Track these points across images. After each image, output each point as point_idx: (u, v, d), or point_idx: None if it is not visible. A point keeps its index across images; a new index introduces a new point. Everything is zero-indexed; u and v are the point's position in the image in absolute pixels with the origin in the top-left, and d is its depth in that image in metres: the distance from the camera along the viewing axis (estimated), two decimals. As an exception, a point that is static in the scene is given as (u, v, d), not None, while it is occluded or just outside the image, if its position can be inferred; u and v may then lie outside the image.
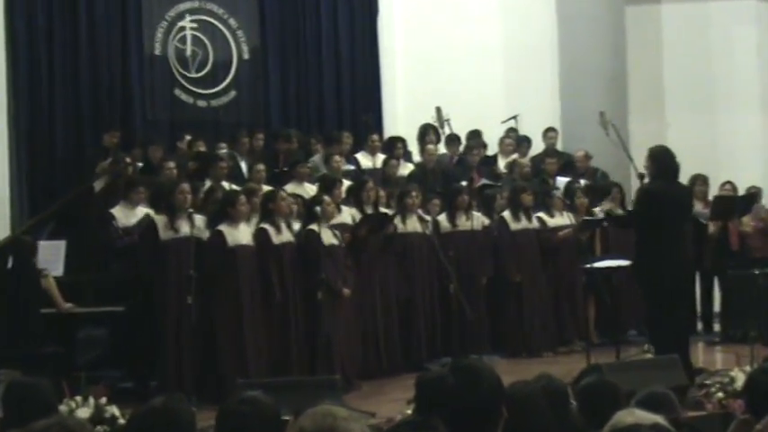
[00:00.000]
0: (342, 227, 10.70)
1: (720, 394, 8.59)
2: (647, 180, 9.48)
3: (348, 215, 11.05)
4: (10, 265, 9.72)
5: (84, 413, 7.83)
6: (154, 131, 13.17)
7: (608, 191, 12.70)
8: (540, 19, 15.33)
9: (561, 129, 14.64)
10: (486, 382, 4.21)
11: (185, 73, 13.77)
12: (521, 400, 4.43)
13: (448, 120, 14.02)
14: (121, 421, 7.77)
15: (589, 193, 12.74)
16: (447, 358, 10.68)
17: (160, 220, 9.94)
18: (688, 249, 9.83)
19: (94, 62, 12.93)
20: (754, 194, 13.05)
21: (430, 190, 12.34)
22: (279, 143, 12.94)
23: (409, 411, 6.31)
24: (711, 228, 12.62)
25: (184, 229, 9.76)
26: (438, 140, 13.70)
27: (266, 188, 10.89)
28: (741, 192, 13.09)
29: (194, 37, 13.90)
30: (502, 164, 13.76)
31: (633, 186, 11.43)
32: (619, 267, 10.85)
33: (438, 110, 14.03)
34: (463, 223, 11.77)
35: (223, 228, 9.84)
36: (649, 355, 9.61)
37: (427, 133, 13.56)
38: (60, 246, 10.23)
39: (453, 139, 13.87)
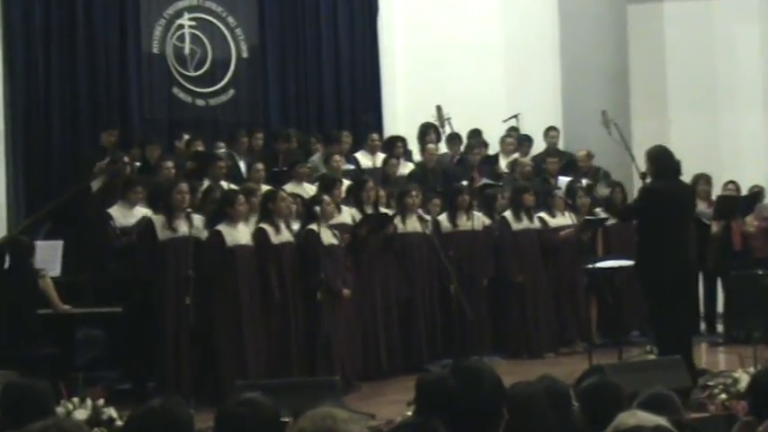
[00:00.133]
0: (341, 227, 10.67)
1: (723, 396, 8.56)
2: (649, 180, 9.46)
3: (348, 215, 11.01)
4: (7, 265, 9.67)
5: (81, 415, 7.79)
6: (152, 130, 13.15)
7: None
8: (542, 17, 15.32)
9: (563, 128, 14.62)
10: (486, 384, 4.19)
11: (184, 72, 13.75)
12: (522, 401, 4.42)
13: (448, 119, 13.97)
14: (119, 423, 7.74)
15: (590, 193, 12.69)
16: (447, 359, 10.64)
17: (158, 219, 9.91)
18: (690, 249, 9.78)
19: (92, 60, 12.91)
20: (757, 194, 13.02)
21: (430, 189, 12.32)
22: (278, 142, 12.93)
23: (409, 413, 6.21)
24: (714, 227, 12.58)
25: (183, 228, 9.74)
26: (438, 140, 13.66)
27: (265, 188, 10.84)
28: (744, 191, 13.03)
29: (193, 35, 13.88)
30: (503, 163, 13.73)
31: (635, 186, 11.40)
32: (621, 267, 10.90)
33: (438, 109, 13.98)
34: (464, 223, 11.74)
35: (222, 228, 9.81)
36: (652, 356, 9.68)
37: (427, 132, 13.53)
38: (57, 246, 10.20)
39: (454, 139, 13.84)
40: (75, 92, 12.75)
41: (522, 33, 15.30)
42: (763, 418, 4.63)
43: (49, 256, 10.00)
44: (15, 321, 9.37)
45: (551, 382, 4.81)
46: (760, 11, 14.94)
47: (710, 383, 8.83)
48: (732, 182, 13.13)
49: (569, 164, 13.73)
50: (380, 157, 12.92)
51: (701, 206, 12.44)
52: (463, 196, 11.84)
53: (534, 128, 14.34)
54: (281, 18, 14.64)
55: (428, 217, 11.63)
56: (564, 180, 13.10)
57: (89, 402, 7.97)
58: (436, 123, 13.84)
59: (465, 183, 12.42)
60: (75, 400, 7.98)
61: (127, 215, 10.66)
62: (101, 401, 8.01)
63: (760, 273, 11.69)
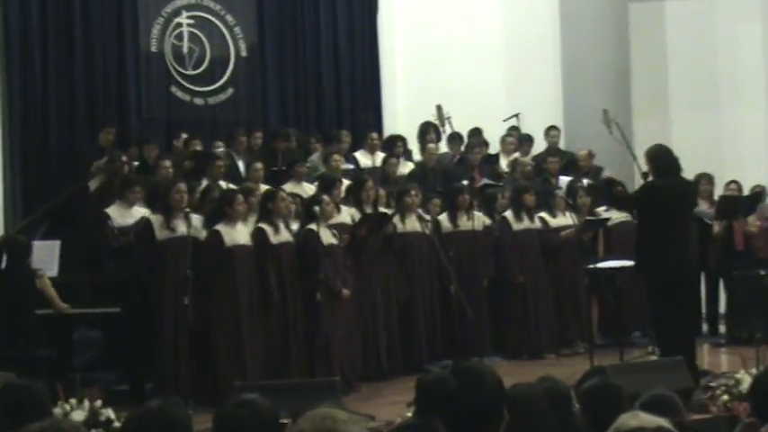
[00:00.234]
0: (341, 226, 10.64)
1: (726, 397, 8.55)
2: (650, 179, 9.45)
3: (347, 215, 10.99)
4: (4, 265, 9.66)
5: (78, 416, 7.77)
6: (150, 129, 13.11)
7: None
8: (542, 16, 15.27)
9: (564, 127, 14.57)
10: (487, 385, 4.17)
11: (182, 70, 13.70)
12: (523, 402, 4.43)
13: (449, 118, 13.91)
14: (117, 424, 7.73)
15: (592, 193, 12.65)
16: (448, 360, 10.64)
17: (156, 219, 9.88)
18: (691, 249, 9.75)
19: (89, 59, 12.85)
20: (759, 194, 12.98)
21: (430, 189, 12.30)
22: (277, 142, 12.90)
23: (409, 414, 6.25)
24: (716, 228, 12.54)
25: (181, 228, 9.72)
26: (438, 139, 13.61)
27: (264, 187, 10.81)
28: (746, 191, 12.99)
29: (191, 34, 13.84)
30: (504, 163, 13.69)
31: (637, 185, 11.34)
32: (622, 268, 10.85)
33: (438, 108, 13.92)
34: (464, 223, 11.70)
35: (220, 227, 9.79)
36: (654, 357, 9.64)
37: (428, 132, 13.49)
38: (55, 246, 10.17)
39: (455, 138, 13.79)
40: (72, 91, 12.70)
41: (522, 32, 15.27)
42: (765, 419, 4.61)
43: (46, 256, 9.97)
44: (12, 322, 9.34)
45: (552, 383, 4.82)
46: (762, 9, 14.94)
47: (712, 384, 8.83)
48: (734, 181, 13.09)
49: (570, 163, 13.70)
50: (380, 156, 12.89)
51: (703, 206, 12.44)
52: (463, 196, 11.80)
53: (535, 127, 14.30)
54: (281, 16, 14.60)
55: (428, 216, 11.59)
56: (565, 180, 13.07)
57: (86, 403, 7.95)
58: (436, 123, 13.79)
59: (465, 182, 12.36)
60: (73, 401, 7.95)
61: (125, 215, 10.61)
62: (98, 402, 7.99)
63: (762, 273, 11.66)
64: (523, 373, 9.08)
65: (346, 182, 11.50)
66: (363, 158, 13.01)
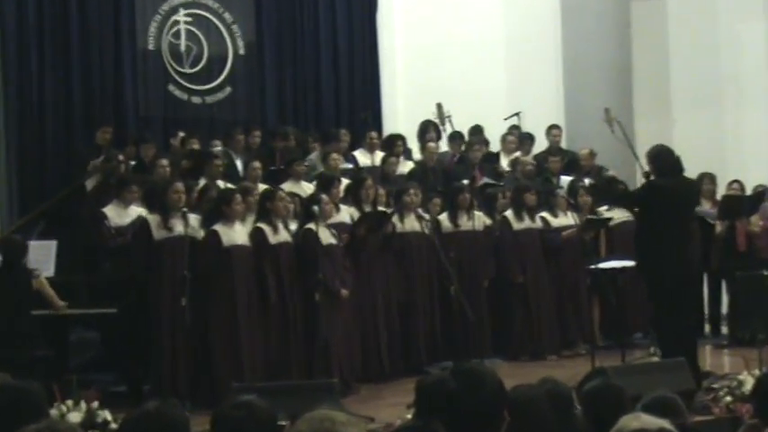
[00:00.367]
0: (340, 226, 10.61)
1: (728, 398, 8.54)
2: (652, 178, 9.43)
3: (347, 214, 10.96)
4: (-1, 265, 9.57)
5: (75, 418, 7.77)
6: (147, 128, 13.09)
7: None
8: (544, 13, 15.26)
9: (565, 126, 14.54)
10: (488, 386, 4.20)
11: (179, 68, 13.72)
12: (523, 404, 4.44)
13: (449, 116, 13.86)
14: (114, 426, 7.73)
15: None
16: (448, 362, 10.61)
17: (153, 219, 9.85)
18: (693, 249, 9.71)
19: (86, 57, 12.86)
20: (761, 193, 12.94)
21: (431, 189, 12.24)
22: (275, 141, 12.89)
23: (409, 416, 6.27)
24: (719, 227, 12.48)
25: (178, 228, 9.68)
26: (439, 138, 13.57)
27: (262, 187, 10.80)
28: (749, 191, 12.96)
29: (188, 31, 13.85)
30: (504, 162, 13.65)
31: (638, 184, 11.30)
32: (624, 268, 10.86)
33: (439, 106, 13.87)
34: (465, 223, 11.66)
35: (218, 227, 9.75)
36: (655, 359, 9.59)
37: (428, 130, 13.45)
38: (51, 246, 10.17)
39: (455, 137, 13.75)
40: (69, 89, 12.70)
41: (523, 30, 15.27)
42: (768, 420, 4.63)
43: (42, 257, 9.95)
44: (8, 322, 9.28)
45: (553, 385, 4.81)
46: (765, 8, 14.95)
47: (715, 386, 8.83)
48: (736, 181, 13.08)
49: (571, 163, 13.66)
50: (379, 155, 12.87)
51: (706, 206, 12.43)
52: (464, 195, 11.76)
53: (536, 126, 14.27)
54: (279, 14, 14.62)
55: (427, 216, 11.52)
56: (566, 179, 13.03)
57: (83, 405, 7.94)
58: (436, 121, 13.75)
59: (465, 182, 12.30)
60: (70, 402, 7.94)
61: (122, 215, 10.60)
62: (95, 404, 7.98)
63: (765, 273, 11.61)
64: (524, 374, 9.10)
65: (345, 181, 11.46)
66: (362, 157, 12.98)
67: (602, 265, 11.24)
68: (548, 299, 12.01)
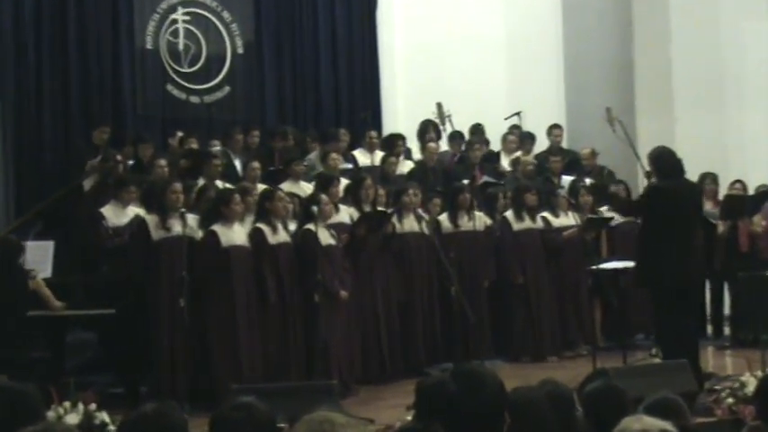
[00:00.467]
0: (340, 226, 10.59)
1: (731, 400, 8.50)
2: (654, 180, 9.40)
3: (346, 214, 10.95)
4: (-5, 265, 9.53)
5: (72, 420, 7.72)
6: (145, 128, 13.09)
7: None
8: (544, 12, 15.29)
9: (566, 125, 14.56)
10: (488, 388, 4.22)
11: (177, 68, 13.73)
12: (524, 405, 4.45)
13: (449, 116, 13.84)
14: (111, 428, 7.71)
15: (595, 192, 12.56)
16: (448, 363, 10.62)
17: (151, 219, 9.82)
18: (696, 250, 9.65)
19: (84, 56, 12.86)
20: (764, 193, 12.91)
21: (431, 189, 12.21)
22: (274, 140, 12.91)
23: (409, 418, 6.20)
24: (721, 228, 12.44)
25: (176, 228, 9.65)
26: (439, 137, 13.55)
27: (261, 187, 10.79)
28: (751, 191, 12.93)
29: (187, 30, 13.86)
30: (505, 162, 13.64)
31: (640, 184, 11.32)
32: (626, 269, 10.81)
33: (439, 106, 13.84)
34: (465, 224, 11.63)
35: (217, 228, 9.73)
36: (657, 360, 9.56)
37: (428, 130, 13.45)
38: (48, 246, 10.11)
39: (455, 136, 13.73)
40: (66, 88, 12.70)
41: (524, 28, 15.26)
42: (771, 422, 4.64)
43: (39, 257, 9.91)
44: (4, 324, 9.22)
45: (554, 387, 4.84)
46: (768, 7, 14.87)
47: (717, 387, 8.82)
48: (739, 181, 13.03)
49: (573, 162, 13.66)
50: (379, 155, 12.87)
51: (708, 206, 12.41)
52: (464, 195, 11.73)
53: (537, 125, 14.26)
54: (277, 12, 14.63)
55: (426, 216, 11.48)
56: (567, 179, 13.01)
57: (81, 407, 7.89)
58: (436, 121, 13.74)
59: (466, 182, 12.27)
60: (67, 404, 7.90)
61: (119, 215, 10.59)
62: (93, 406, 7.93)
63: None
64: (525, 375, 9.08)
65: (345, 181, 11.44)
66: (362, 157, 12.98)
67: (604, 266, 11.22)
68: (548, 299, 11.99)
